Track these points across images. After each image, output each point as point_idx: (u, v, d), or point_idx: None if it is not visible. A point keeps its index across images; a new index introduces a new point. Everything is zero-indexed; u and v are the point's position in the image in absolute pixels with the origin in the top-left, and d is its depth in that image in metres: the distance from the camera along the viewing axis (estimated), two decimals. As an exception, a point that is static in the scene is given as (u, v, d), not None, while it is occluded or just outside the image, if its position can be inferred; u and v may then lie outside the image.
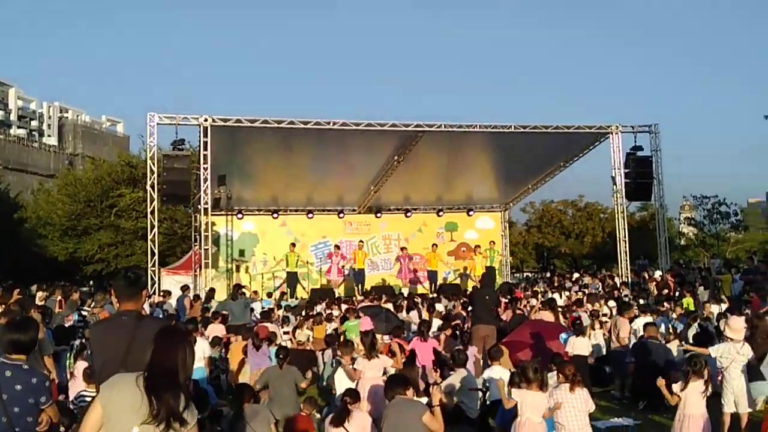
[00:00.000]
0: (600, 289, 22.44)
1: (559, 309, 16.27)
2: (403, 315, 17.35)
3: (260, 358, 11.77)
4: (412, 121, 21.69)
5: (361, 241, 26.29)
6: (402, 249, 26.80)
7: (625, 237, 24.13)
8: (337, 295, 22.44)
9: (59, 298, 17.93)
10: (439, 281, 26.24)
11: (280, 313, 18.92)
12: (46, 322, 11.21)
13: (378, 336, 12.15)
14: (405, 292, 24.70)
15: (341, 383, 9.96)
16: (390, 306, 18.04)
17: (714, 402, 7.69)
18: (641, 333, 11.92)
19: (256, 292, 23.08)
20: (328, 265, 25.38)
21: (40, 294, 18.91)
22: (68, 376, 10.79)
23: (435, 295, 22.73)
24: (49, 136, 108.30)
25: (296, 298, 23.29)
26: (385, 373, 9.47)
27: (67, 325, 15.33)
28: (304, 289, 25.60)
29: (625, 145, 23.87)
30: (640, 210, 49.53)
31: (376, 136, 22.08)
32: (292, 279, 24.26)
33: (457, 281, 27.40)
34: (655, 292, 20.74)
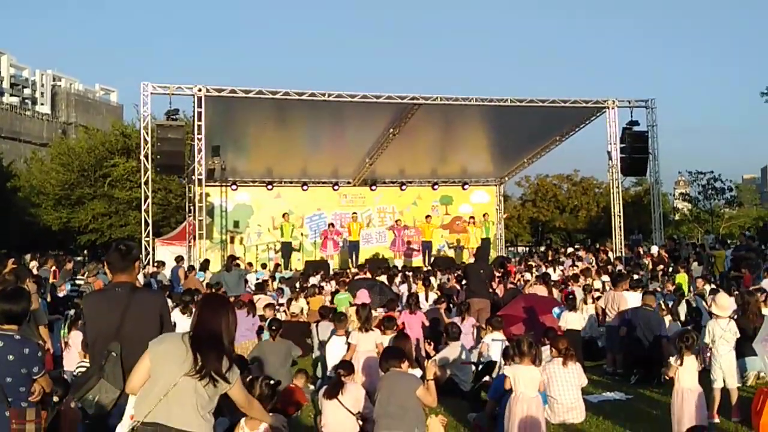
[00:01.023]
0: (594, 263, 22.51)
1: (553, 283, 16.33)
2: (396, 288, 17.39)
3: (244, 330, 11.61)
4: (408, 93, 21.63)
5: (354, 213, 26.31)
6: (396, 221, 26.89)
7: (619, 212, 24.19)
8: (331, 270, 22.46)
9: (53, 267, 17.96)
10: (433, 253, 26.33)
11: (275, 284, 18.95)
12: (41, 292, 11.19)
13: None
14: (399, 264, 24.77)
15: (334, 355, 9.99)
16: (384, 279, 18.07)
17: (703, 377, 7.73)
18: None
19: (250, 264, 23.06)
20: (323, 240, 25.37)
21: (33, 263, 18.92)
22: (62, 345, 10.80)
23: (430, 268, 22.78)
24: (42, 104, 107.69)
25: (290, 270, 23.31)
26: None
27: (60, 294, 15.38)
28: (298, 260, 25.63)
29: (622, 120, 23.93)
30: (635, 185, 49.67)
31: (371, 108, 21.99)
32: (287, 249, 24.25)
33: (451, 254, 27.51)
34: (650, 267, 20.80)
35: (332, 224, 25.76)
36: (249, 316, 12.04)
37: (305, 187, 27.17)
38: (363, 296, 13.99)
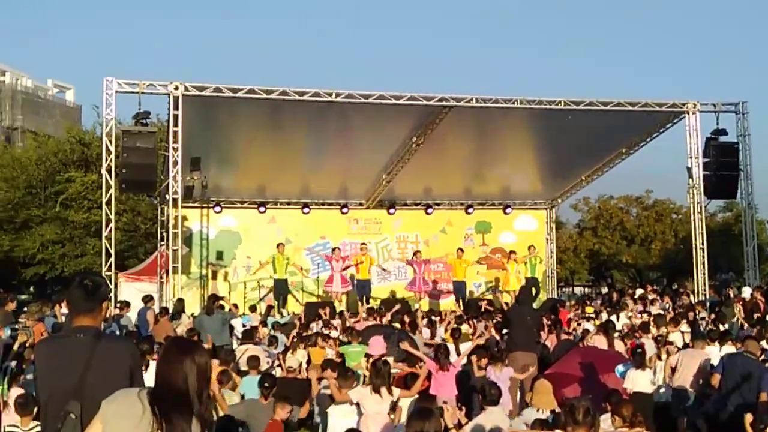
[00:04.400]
0: (670, 309, 22.36)
1: (617, 333, 16.25)
2: (417, 336, 17.35)
3: None
4: (436, 93, 21.72)
5: (363, 244, 25.86)
6: (415, 253, 26.34)
7: (702, 244, 24.05)
8: (339, 310, 22.45)
9: (-10, 308, 18.04)
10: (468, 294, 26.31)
11: (266, 331, 18.98)
12: (-24, 339, 11.31)
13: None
14: (423, 307, 24.73)
15: (338, 422, 9.99)
16: (402, 325, 18.03)
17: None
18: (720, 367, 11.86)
19: (236, 305, 23.13)
20: (329, 274, 25.27)
21: (-36, 303, 19.04)
22: (0, 405, 10.87)
23: (461, 313, 22.76)
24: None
25: (287, 313, 23.36)
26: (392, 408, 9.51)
27: (-3, 342, 15.46)
28: (298, 301, 25.68)
29: (705, 128, 23.82)
30: (723, 210, 49.40)
31: (389, 112, 22.10)
32: (281, 288, 24.25)
33: (489, 295, 27.44)
34: (742, 315, 20.64)
35: (338, 248, 25.41)
36: None
37: (306, 210, 27.31)
38: (377, 345, 13.95)
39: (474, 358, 13.59)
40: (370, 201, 27.68)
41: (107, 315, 18.39)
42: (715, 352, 12.19)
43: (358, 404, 9.62)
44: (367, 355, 13.17)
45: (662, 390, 12.92)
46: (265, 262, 24.69)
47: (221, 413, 10.71)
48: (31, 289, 46.87)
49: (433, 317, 20.39)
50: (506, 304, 22.80)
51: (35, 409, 8.77)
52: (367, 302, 24.15)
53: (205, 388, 4.00)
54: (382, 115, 22.30)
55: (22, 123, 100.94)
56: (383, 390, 9.63)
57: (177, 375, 3.91)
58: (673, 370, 12.66)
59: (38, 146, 44.72)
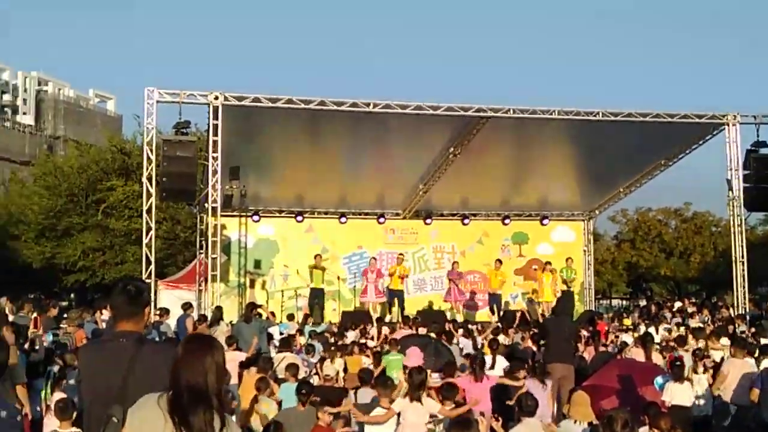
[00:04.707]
0: (708, 322, 22.15)
1: (656, 346, 16.13)
2: (453, 347, 17.33)
3: None
4: (473, 103, 21.72)
5: (401, 254, 26.12)
6: (454, 264, 26.67)
7: (742, 257, 23.79)
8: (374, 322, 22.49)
9: (33, 315, 18.31)
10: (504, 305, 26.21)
11: (303, 340, 19.05)
12: (20, 343, 11.47)
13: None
14: (458, 318, 24.71)
15: (376, 430, 10.02)
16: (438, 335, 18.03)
17: None
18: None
19: (273, 314, 23.30)
20: (363, 285, 25.42)
21: (7, 308, 19.32)
22: (43, 409, 11.04)
23: (498, 323, 22.69)
24: (24, 113, 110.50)
25: (323, 322, 23.44)
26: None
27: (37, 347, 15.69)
28: (334, 310, 25.76)
29: (745, 140, 23.59)
30: (763, 223, 48.86)
31: (427, 122, 22.11)
32: (318, 297, 24.37)
33: (524, 306, 27.32)
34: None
35: (374, 258, 25.70)
36: None
37: (343, 220, 27.41)
38: (414, 356, 14.00)
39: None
40: (407, 211, 27.70)
41: (147, 321, 18.59)
42: (753, 366, 12.04)
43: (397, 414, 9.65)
44: (405, 366, 13.19)
45: (701, 403, 12.81)
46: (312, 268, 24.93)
47: (259, 423, 10.81)
48: (72, 296, 47.40)
49: (470, 326, 20.36)
50: (542, 315, 22.79)
51: (74, 414, 8.88)
52: (402, 312, 24.20)
53: (222, 381, 4.04)
54: (420, 125, 22.31)
55: (64, 132, 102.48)
56: (423, 399, 9.66)
57: (197, 370, 3.94)
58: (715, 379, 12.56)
59: (80, 155, 45.15)
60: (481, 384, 11.89)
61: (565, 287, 25.58)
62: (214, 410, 3.89)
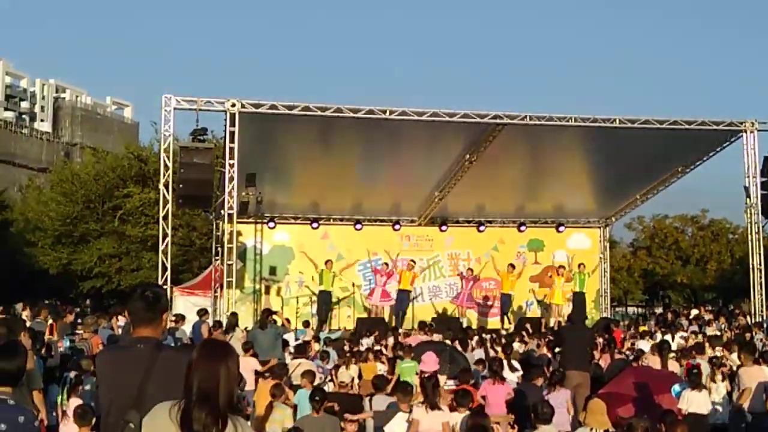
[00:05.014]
0: (725, 329, 22.03)
1: (672, 354, 16.05)
2: (468, 354, 17.30)
3: None
4: (490, 110, 21.71)
5: (412, 261, 26.07)
6: (468, 269, 26.74)
7: (760, 264, 23.70)
8: (393, 325, 22.51)
9: (50, 321, 18.39)
10: (517, 312, 26.16)
11: (319, 346, 19.05)
12: (37, 349, 11.52)
13: (441, 379, 12.16)
14: (464, 322, 24.76)
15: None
16: (456, 343, 18.01)
17: None
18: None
19: (288, 320, 23.31)
20: (372, 287, 25.48)
21: (25, 314, 19.43)
22: (59, 415, 11.08)
23: (511, 327, 22.67)
24: (41, 120, 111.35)
25: (337, 328, 23.43)
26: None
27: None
28: (348, 317, 25.77)
29: (763, 147, 23.53)
30: (781, 230, 48.58)
31: (442, 129, 22.15)
32: (325, 299, 24.33)
33: (537, 312, 27.28)
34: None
35: (386, 264, 25.80)
36: None
37: (359, 226, 27.42)
38: (430, 362, 13.95)
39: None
40: (422, 218, 27.70)
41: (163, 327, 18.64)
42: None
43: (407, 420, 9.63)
44: (420, 372, 13.17)
45: (718, 411, 12.74)
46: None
47: (273, 430, 10.81)
48: (88, 302, 47.62)
49: (484, 335, 20.32)
50: (559, 322, 22.72)
51: (93, 420, 8.91)
52: (403, 315, 24.21)
53: (233, 387, 4.02)
54: (436, 132, 22.35)
55: (81, 139, 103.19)
56: (438, 405, 9.64)
57: (211, 375, 3.94)
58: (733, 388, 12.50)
59: (97, 162, 45.52)
60: (499, 387, 11.87)
61: (577, 289, 25.50)
62: (219, 415, 3.89)
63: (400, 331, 21.58)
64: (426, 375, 11.60)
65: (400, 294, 24.89)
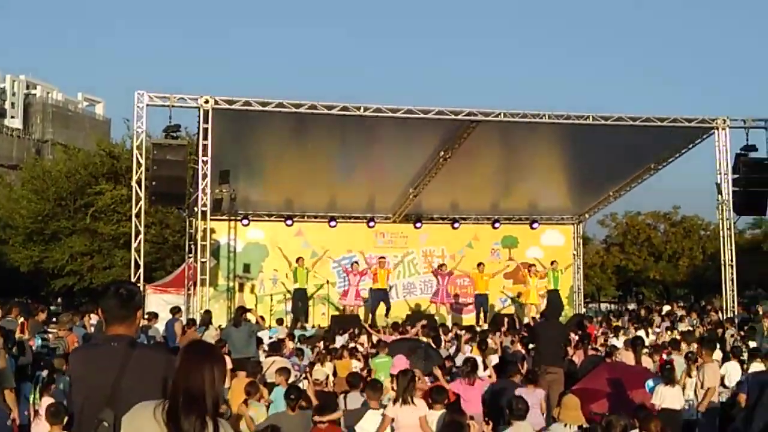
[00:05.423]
0: (698, 325, 22.22)
1: (645, 350, 16.16)
2: (443, 351, 17.33)
3: None
4: (464, 107, 21.74)
5: (382, 257, 25.91)
6: (440, 266, 26.50)
7: (731, 260, 23.87)
8: (368, 322, 22.48)
9: (21, 319, 18.23)
10: (492, 309, 26.23)
11: (292, 344, 19.01)
12: (8, 347, 11.43)
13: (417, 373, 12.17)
14: (448, 322, 24.72)
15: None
16: (430, 340, 18.03)
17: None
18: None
19: (262, 318, 23.21)
20: (345, 288, 25.47)
21: (-6, 312, 19.25)
22: (31, 414, 10.99)
23: (486, 326, 22.69)
24: (12, 117, 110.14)
25: (307, 323, 23.34)
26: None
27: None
28: (323, 314, 25.74)
29: (735, 144, 23.66)
30: (752, 227, 49.04)
31: (417, 126, 22.13)
32: (301, 297, 24.24)
33: (511, 309, 27.35)
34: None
35: (356, 262, 25.73)
36: None
37: (333, 224, 27.39)
38: (400, 363, 13.99)
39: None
40: (397, 215, 27.73)
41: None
42: (736, 371, 12.07)
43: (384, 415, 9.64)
44: (392, 375, 13.17)
45: (692, 406, 12.83)
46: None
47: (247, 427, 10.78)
48: (59, 300, 47.23)
49: (458, 332, 20.35)
50: (534, 318, 22.82)
51: (65, 419, 8.85)
52: (387, 312, 24.18)
53: (220, 389, 4.01)
54: (410, 129, 22.32)
55: (52, 136, 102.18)
56: (414, 400, 9.65)
57: (197, 377, 3.92)
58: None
59: (68, 159, 45.10)
60: (473, 387, 11.90)
61: (552, 287, 25.63)
62: (207, 417, 3.88)
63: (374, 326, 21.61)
64: (398, 372, 11.58)
65: (375, 293, 24.87)
